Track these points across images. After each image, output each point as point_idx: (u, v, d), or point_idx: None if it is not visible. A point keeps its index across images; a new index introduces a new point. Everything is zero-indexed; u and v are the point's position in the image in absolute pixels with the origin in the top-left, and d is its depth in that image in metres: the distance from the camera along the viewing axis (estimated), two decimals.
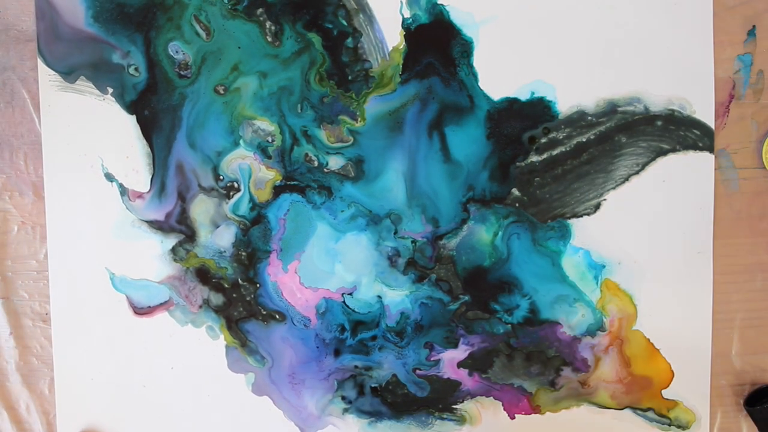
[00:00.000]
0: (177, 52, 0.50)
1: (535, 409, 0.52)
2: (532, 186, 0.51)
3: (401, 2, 0.49)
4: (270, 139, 0.51)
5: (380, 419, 0.53)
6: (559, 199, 0.51)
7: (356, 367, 0.52)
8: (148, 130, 0.51)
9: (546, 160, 0.50)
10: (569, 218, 0.51)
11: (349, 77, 0.50)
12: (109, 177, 0.51)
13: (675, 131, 0.50)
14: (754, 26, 0.50)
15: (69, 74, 0.51)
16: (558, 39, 0.50)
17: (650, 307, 0.51)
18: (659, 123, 0.50)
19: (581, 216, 0.51)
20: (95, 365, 0.53)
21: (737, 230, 0.51)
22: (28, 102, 0.51)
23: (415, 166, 0.50)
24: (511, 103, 0.50)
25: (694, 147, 0.50)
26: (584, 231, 0.51)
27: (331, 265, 0.51)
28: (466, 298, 0.51)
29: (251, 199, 0.51)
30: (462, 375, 0.52)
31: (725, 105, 0.50)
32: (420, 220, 0.51)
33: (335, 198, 0.51)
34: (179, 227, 0.51)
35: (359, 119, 0.50)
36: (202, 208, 0.51)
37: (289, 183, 0.51)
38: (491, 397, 0.52)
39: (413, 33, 0.50)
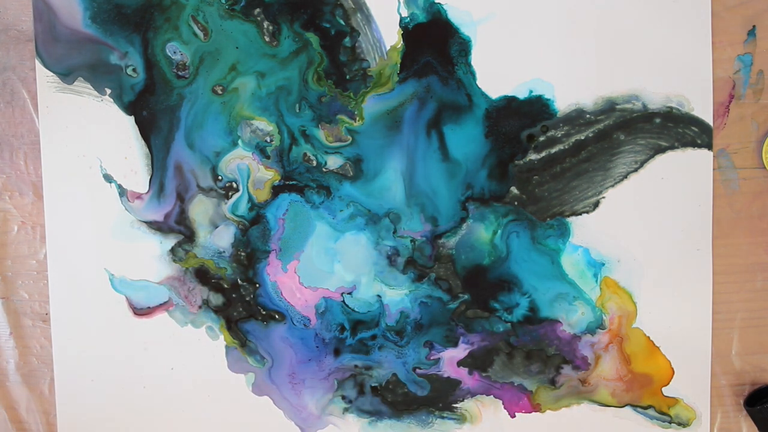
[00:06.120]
0: (175, 52, 0.50)
1: (536, 408, 0.52)
2: (530, 184, 0.50)
3: (399, 1, 0.49)
4: (268, 139, 0.51)
5: (380, 418, 0.53)
6: (558, 197, 0.50)
7: (356, 366, 0.52)
8: (146, 130, 0.51)
9: (544, 158, 0.50)
10: (568, 216, 0.51)
11: (347, 76, 0.50)
12: (108, 178, 0.51)
13: (673, 128, 0.50)
14: (754, 26, 0.49)
15: (67, 75, 0.51)
16: (556, 37, 0.49)
17: (650, 304, 0.51)
18: (657, 120, 0.50)
19: (580, 214, 0.50)
20: (95, 365, 0.53)
21: (737, 230, 0.51)
22: (28, 102, 0.51)
23: (413, 165, 0.50)
24: (510, 102, 0.50)
25: (693, 144, 0.50)
26: (583, 229, 0.50)
27: (331, 264, 0.51)
28: (466, 296, 0.51)
29: (250, 199, 0.51)
30: (462, 374, 0.52)
31: (725, 105, 0.50)
32: (419, 219, 0.51)
33: (334, 197, 0.51)
34: (178, 228, 0.51)
35: (357, 118, 0.50)
36: (201, 209, 0.51)
37: (287, 183, 0.51)
38: (491, 396, 0.52)
39: (411, 32, 0.50)
